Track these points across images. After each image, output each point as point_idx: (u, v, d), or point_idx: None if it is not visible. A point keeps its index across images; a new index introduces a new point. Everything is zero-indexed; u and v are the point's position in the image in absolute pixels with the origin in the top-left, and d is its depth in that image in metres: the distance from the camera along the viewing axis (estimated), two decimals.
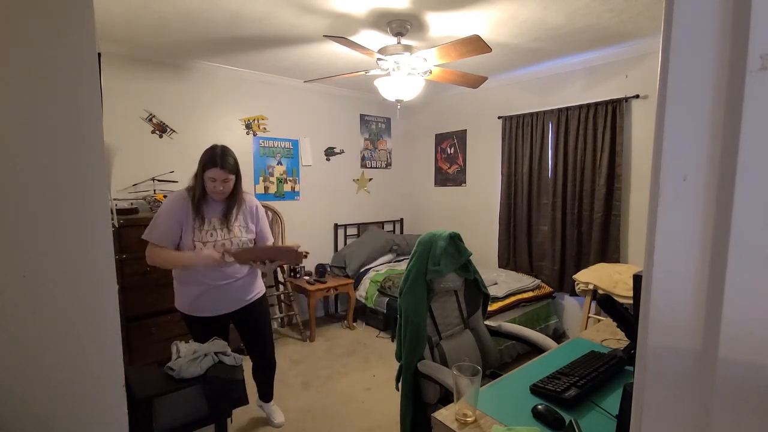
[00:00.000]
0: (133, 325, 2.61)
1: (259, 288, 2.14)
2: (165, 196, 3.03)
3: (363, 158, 4.54)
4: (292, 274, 3.75)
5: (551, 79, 3.45)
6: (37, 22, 0.76)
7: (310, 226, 4.09)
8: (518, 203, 3.71)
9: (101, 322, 0.86)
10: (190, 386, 1.57)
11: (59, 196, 0.80)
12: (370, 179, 4.61)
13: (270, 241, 2.15)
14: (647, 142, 2.95)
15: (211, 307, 1.96)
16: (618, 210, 3.04)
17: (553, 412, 1.12)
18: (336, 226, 4.30)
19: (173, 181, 3.19)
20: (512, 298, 3.12)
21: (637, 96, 2.94)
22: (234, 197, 1.95)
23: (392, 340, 3.48)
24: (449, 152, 4.44)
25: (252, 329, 2.15)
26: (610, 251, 3.10)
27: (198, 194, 1.87)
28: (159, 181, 3.13)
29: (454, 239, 1.88)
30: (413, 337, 1.67)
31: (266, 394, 2.35)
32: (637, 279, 1.27)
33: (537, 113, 3.49)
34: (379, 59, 2.43)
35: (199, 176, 1.87)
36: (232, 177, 1.89)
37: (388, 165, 4.80)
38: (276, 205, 3.75)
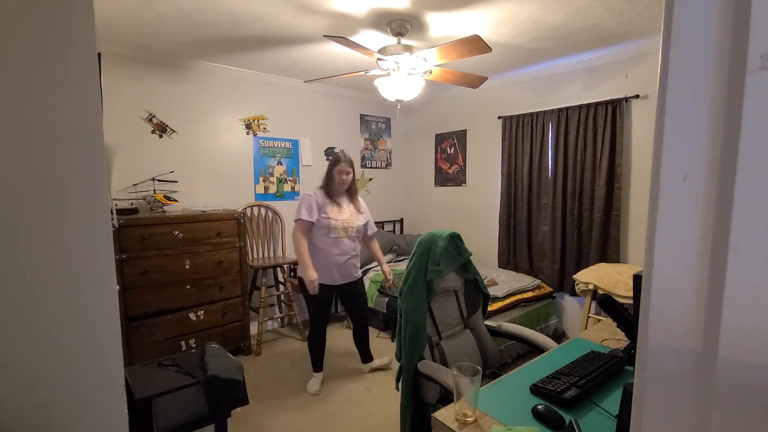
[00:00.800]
0: (133, 325, 2.61)
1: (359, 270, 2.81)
2: (165, 196, 3.03)
3: (363, 158, 4.54)
4: (291, 274, 3.75)
5: (551, 79, 3.45)
6: (37, 23, 0.76)
7: None
8: (518, 203, 3.71)
9: (101, 322, 0.86)
10: (190, 386, 1.58)
11: (59, 197, 0.80)
12: (370, 179, 4.61)
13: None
14: (647, 142, 2.95)
15: (337, 276, 2.60)
16: (618, 210, 3.04)
17: (553, 412, 1.11)
18: None
19: (173, 181, 3.19)
20: (512, 298, 3.12)
21: (637, 96, 2.94)
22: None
23: (392, 340, 3.47)
24: (449, 152, 4.44)
25: (357, 299, 2.80)
26: (610, 251, 3.10)
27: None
28: (159, 181, 3.12)
29: (454, 239, 1.88)
30: (413, 337, 1.67)
31: (367, 356, 2.94)
32: (637, 279, 1.27)
33: (537, 113, 3.49)
34: (379, 59, 2.43)
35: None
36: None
37: (388, 165, 4.80)
38: (276, 205, 3.75)
